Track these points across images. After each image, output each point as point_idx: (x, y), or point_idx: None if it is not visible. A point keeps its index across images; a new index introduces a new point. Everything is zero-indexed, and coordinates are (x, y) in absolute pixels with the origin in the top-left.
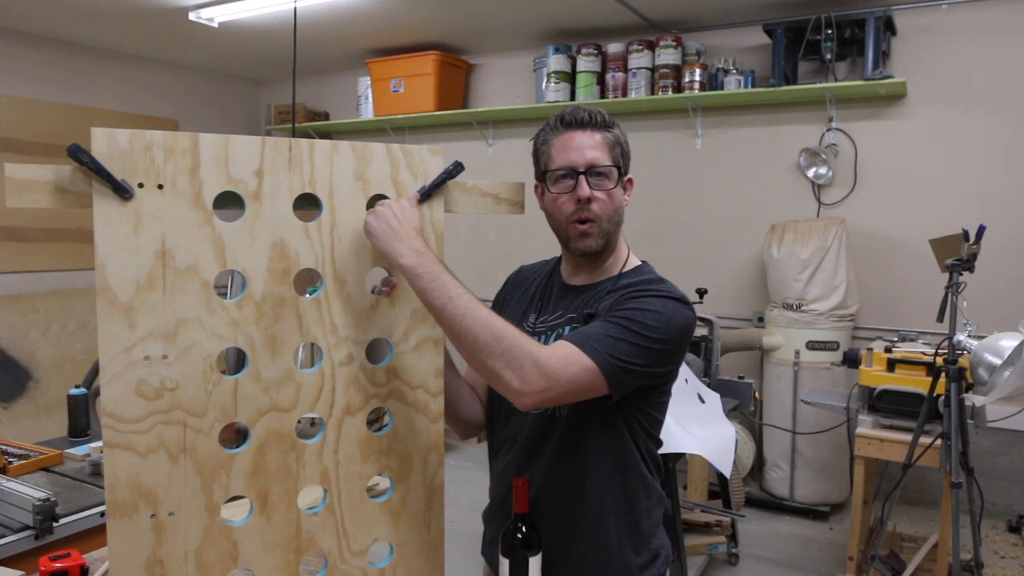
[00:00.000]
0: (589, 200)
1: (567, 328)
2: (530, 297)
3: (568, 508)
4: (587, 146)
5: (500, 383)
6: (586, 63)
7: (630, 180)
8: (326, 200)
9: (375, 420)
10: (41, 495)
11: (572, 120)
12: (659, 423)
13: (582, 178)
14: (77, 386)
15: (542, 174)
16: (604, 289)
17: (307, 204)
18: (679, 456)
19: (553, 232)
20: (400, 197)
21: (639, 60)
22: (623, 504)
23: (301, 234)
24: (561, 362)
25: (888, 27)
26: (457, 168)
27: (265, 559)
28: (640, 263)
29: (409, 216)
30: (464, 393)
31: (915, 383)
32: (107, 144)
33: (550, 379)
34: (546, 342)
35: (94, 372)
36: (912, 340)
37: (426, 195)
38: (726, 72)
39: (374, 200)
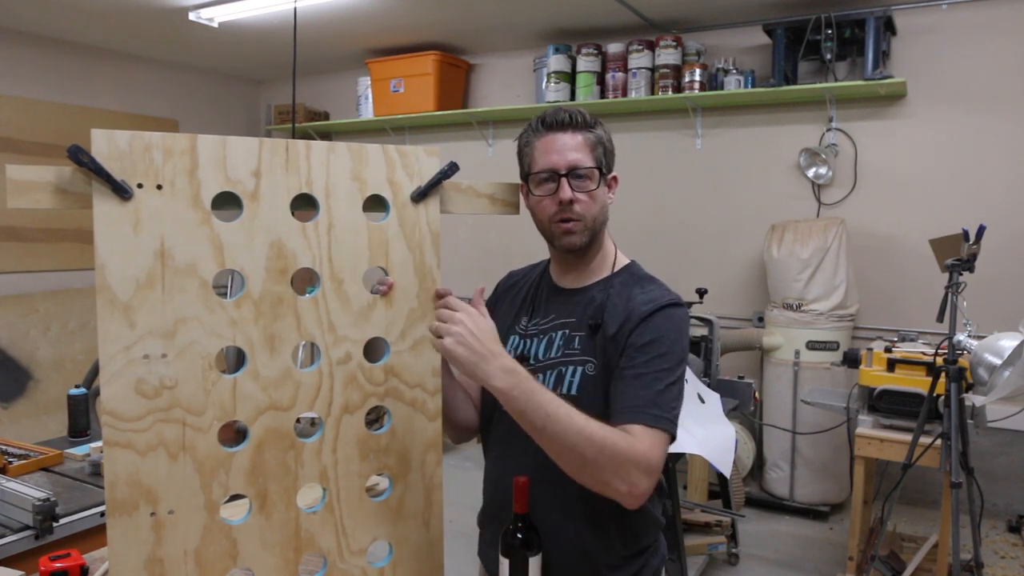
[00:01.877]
0: (571, 202)
1: (559, 333)
2: (521, 301)
3: (560, 504)
4: (568, 147)
5: (610, 490)
6: (586, 63)
7: (614, 178)
8: (323, 200)
9: (375, 420)
10: (41, 495)
11: (553, 121)
12: None
13: (563, 180)
14: (77, 386)
15: (525, 176)
16: (596, 290)
17: (304, 204)
18: (679, 456)
19: (538, 231)
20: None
21: (639, 60)
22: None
23: (298, 234)
24: (651, 450)
25: (888, 27)
26: (452, 169)
27: (264, 558)
28: (629, 262)
29: (485, 330)
30: (459, 396)
31: (915, 383)
32: (107, 145)
33: (651, 473)
34: (539, 345)
35: (94, 372)
36: (912, 340)
37: (421, 195)
38: (726, 72)
39: (369, 201)
